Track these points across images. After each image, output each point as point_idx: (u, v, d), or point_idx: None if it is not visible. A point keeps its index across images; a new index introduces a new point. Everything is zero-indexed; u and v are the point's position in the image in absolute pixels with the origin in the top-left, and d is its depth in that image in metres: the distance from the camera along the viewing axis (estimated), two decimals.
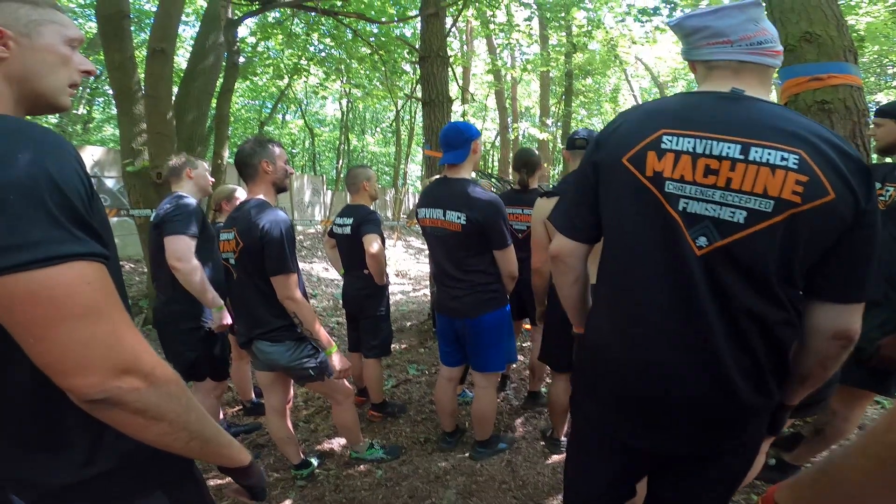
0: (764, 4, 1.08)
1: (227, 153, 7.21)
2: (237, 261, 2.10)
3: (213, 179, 2.92)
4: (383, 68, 8.92)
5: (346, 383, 2.46)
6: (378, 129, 24.57)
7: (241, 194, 3.15)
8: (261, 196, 2.10)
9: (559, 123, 16.49)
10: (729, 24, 1.01)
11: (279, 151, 2.14)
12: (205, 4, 7.69)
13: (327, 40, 9.52)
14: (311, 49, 10.16)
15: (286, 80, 11.54)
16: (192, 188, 2.52)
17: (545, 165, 14.41)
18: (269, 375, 2.33)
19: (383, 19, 7.55)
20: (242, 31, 8.71)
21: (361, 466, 2.69)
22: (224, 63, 6.85)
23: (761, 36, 1.01)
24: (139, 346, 0.69)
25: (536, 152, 3.20)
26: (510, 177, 9.91)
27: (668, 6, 7.03)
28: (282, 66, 10.68)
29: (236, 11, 6.81)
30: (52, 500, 0.79)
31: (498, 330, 2.40)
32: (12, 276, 0.60)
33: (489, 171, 18.74)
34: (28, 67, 0.80)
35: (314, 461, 2.67)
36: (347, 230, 2.97)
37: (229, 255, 2.14)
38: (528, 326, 4.24)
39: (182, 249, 2.27)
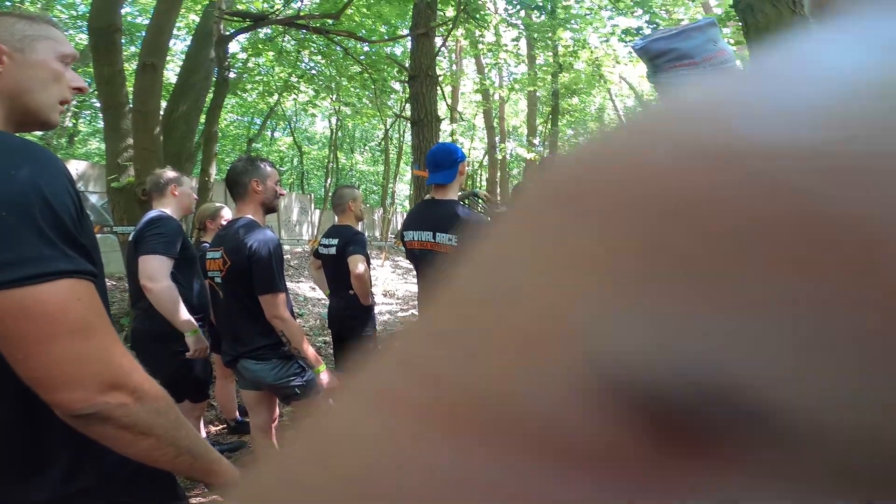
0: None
1: (214, 170, 7.18)
2: (224, 280, 2.08)
3: (198, 198, 2.89)
4: (373, 87, 9.00)
5: (332, 402, 2.40)
6: (367, 148, 24.68)
7: (227, 213, 3.12)
8: (249, 215, 2.10)
9: (546, 143, 16.72)
10: (693, 46, 1.02)
11: (270, 171, 2.14)
12: (197, 19, 7.72)
13: (318, 58, 9.61)
14: (302, 66, 10.23)
15: (276, 98, 11.58)
16: (176, 206, 2.45)
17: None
18: (254, 394, 2.27)
19: (374, 38, 7.65)
20: (233, 46, 8.79)
21: None
22: (214, 79, 6.86)
23: (722, 56, 1.03)
24: (127, 363, 0.69)
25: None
26: (497, 197, 9.97)
27: (651, 26, 7.23)
28: (272, 83, 10.73)
29: (228, 27, 6.85)
30: None
31: None
32: (5, 293, 0.61)
33: (476, 188, 18.86)
34: (20, 83, 0.80)
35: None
36: (333, 250, 2.95)
37: (215, 274, 2.12)
38: None
39: (154, 269, 2.19)
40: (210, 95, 7.00)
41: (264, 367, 2.11)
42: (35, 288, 0.62)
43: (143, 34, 4.93)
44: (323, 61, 9.57)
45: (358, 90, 11.02)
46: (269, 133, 19.43)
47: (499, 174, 17.10)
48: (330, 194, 15.91)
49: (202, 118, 6.90)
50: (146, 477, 0.81)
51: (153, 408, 0.71)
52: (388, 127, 14.93)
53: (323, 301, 8.03)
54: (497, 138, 16.88)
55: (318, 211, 15.78)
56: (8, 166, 0.64)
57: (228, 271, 2.05)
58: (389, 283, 11.00)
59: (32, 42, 0.82)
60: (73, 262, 0.66)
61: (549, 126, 15.83)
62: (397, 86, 10.22)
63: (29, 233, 0.63)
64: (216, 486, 0.86)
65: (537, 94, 15.38)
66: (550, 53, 11.23)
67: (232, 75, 8.78)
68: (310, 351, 2.09)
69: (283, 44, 9.12)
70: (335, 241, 2.94)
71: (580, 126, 19.31)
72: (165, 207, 2.42)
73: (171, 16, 4.86)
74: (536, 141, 15.86)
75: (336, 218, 3.10)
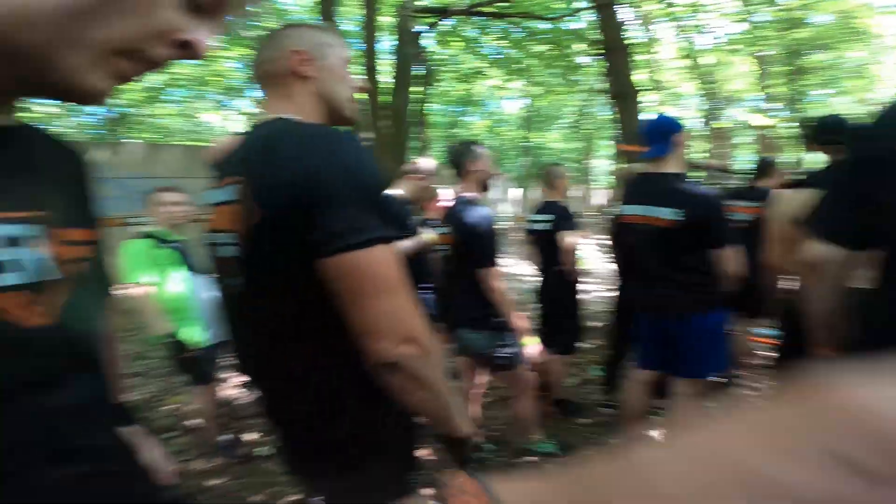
0: None
1: (425, 158, 8.00)
2: (451, 253, 2.33)
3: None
4: (561, 64, 8.74)
5: (533, 376, 2.54)
6: (562, 125, 24.02)
7: (445, 194, 3.23)
8: (470, 193, 2.29)
9: (783, 107, 13.90)
10: None
11: (483, 152, 2.33)
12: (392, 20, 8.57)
13: (502, 42, 9.74)
14: (489, 52, 10.51)
15: (468, 85, 12.17)
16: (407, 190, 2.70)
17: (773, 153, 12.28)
18: (466, 361, 2.52)
19: (550, 16, 7.40)
20: (427, 41, 9.52)
21: (532, 458, 2.67)
22: (417, 72, 7.56)
23: None
24: (420, 320, 0.78)
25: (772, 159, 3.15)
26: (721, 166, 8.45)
27: None
28: (462, 71, 11.31)
29: (417, 24, 7.44)
30: (309, 455, 0.96)
31: (710, 333, 2.22)
32: (347, 255, 0.73)
33: (702, 161, 16.75)
34: (325, 85, 0.95)
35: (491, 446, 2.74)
36: (545, 226, 2.99)
37: (445, 248, 2.38)
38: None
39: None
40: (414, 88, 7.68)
41: (478, 335, 2.30)
42: (367, 251, 0.73)
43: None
44: (506, 44, 9.63)
45: (547, 69, 10.81)
46: (465, 118, 20.49)
47: (719, 143, 14.92)
48: (528, 174, 16.04)
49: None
50: (405, 440, 0.96)
51: (432, 362, 0.79)
52: (582, 103, 14.33)
53: (523, 277, 8.03)
54: (713, 104, 14.69)
55: (514, 190, 15.97)
56: (337, 149, 0.77)
57: (454, 245, 2.28)
58: (592, 261, 10.57)
59: (326, 49, 0.95)
60: (387, 230, 0.77)
61: (785, 88, 13.10)
62: (588, 60, 9.71)
63: (360, 204, 0.75)
64: (447, 437, 0.93)
65: (765, 53, 12.80)
66: (772, 9, 9.21)
67: (430, 68, 9.55)
68: (521, 322, 2.25)
69: (467, 33, 9.49)
70: (547, 217, 2.99)
71: (833, 85, 15.44)
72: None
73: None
74: (768, 105, 13.32)
75: (545, 195, 3.17)
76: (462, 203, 2.24)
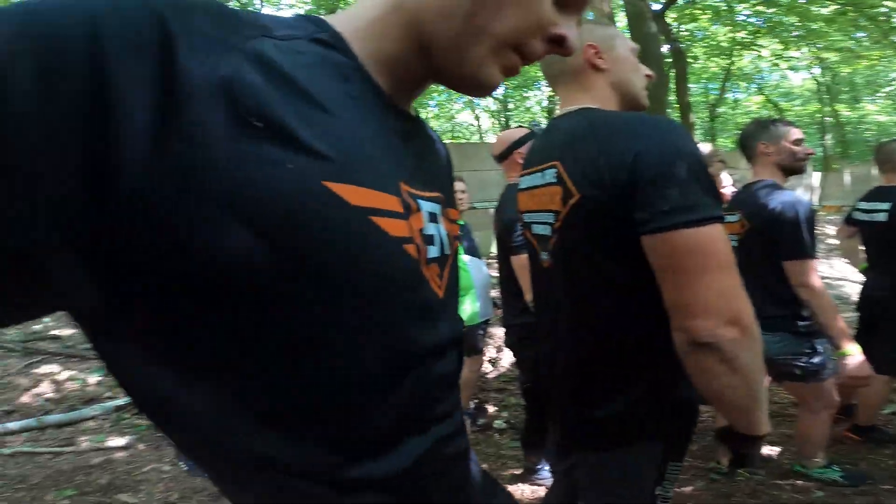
0: None
1: (702, 143, 7.52)
2: (740, 243, 2.07)
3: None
4: (865, 25, 6.90)
5: (834, 393, 2.16)
6: (882, 94, 18.58)
7: (725, 178, 3.02)
8: (767, 178, 2.07)
9: None
10: None
11: (784, 131, 2.05)
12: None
13: (769, 8, 8.16)
14: (754, 21, 8.97)
15: (728, 59, 10.63)
16: None
17: None
18: None
19: None
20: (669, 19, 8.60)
21: (800, 482, 2.35)
22: (665, 54, 7.04)
23: None
24: (746, 302, 0.77)
25: None
26: None
27: None
28: (714, 45, 9.94)
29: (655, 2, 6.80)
30: (583, 428, 0.97)
31: None
32: (679, 231, 0.75)
33: None
34: (619, 75, 0.99)
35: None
36: (879, 217, 2.49)
37: (732, 238, 2.09)
38: None
39: None
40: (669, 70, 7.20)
41: (770, 338, 1.94)
42: (700, 229, 0.74)
43: None
44: (772, 11, 8.04)
45: (846, 32, 8.66)
46: (729, 96, 17.81)
47: None
48: (830, 154, 13.03)
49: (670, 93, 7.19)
50: (683, 427, 0.94)
51: (753, 348, 0.77)
52: None
53: (839, 278, 6.51)
54: None
55: (815, 174, 13.12)
56: (659, 131, 0.81)
57: (746, 234, 2.04)
58: None
59: (614, 40, 0.99)
60: (719, 209, 0.78)
61: None
62: None
63: (693, 184, 0.76)
64: (739, 432, 0.87)
65: None
66: None
67: (679, 46, 8.71)
68: (842, 327, 1.89)
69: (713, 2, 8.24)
70: (883, 206, 2.48)
71: None
72: None
73: None
74: None
75: (881, 178, 2.64)
76: (761, 188, 2.01)
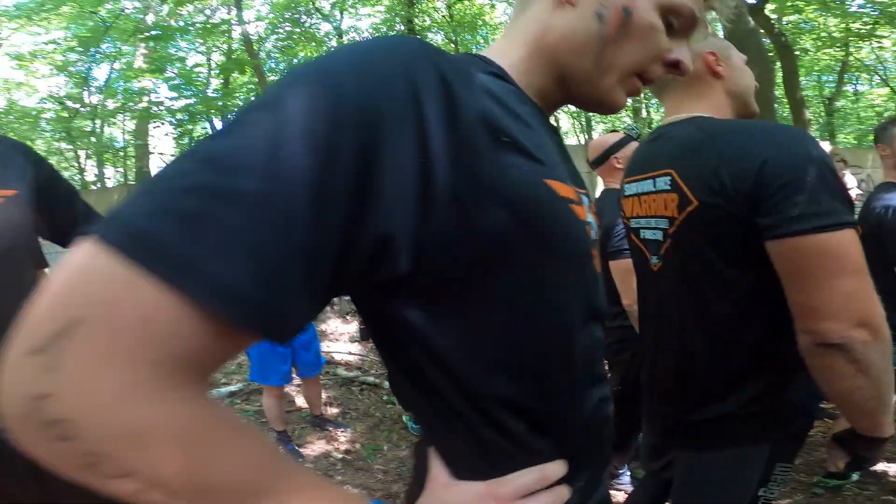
0: None
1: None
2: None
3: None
4: None
5: None
6: None
7: (849, 179, 2.87)
8: (893, 179, 2.03)
9: None
10: None
11: None
12: None
13: None
14: (867, 9, 8.09)
15: (840, 51, 9.62)
16: None
17: None
18: None
19: None
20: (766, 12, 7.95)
21: None
22: (769, 46, 6.60)
23: None
24: (877, 305, 0.78)
25: None
26: None
27: None
28: (830, 35, 9.04)
29: None
30: (685, 428, 0.98)
31: None
32: (809, 237, 0.76)
33: None
34: (736, 82, 1.00)
35: (854, 476, 2.35)
36: None
37: None
38: None
39: None
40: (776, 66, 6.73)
41: None
42: (832, 234, 0.75)
43: None
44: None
45: None
46: (849, 88, 15.95)
47: None
48: None
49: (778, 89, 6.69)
50: (779, 416, 0.93)
51: (882, 350, 0.77)
52: None
53: None
54: None
55: None
56: (793, 139, 0.81)
57: (862, 238, 2.03)
58: None
59: (729, 50, 1.00)
60: (852, 215, 0.79)
61: None
62: None
63: (823, 190, 0.77)
64: (862, 434, 0.86)
65: None
66: None
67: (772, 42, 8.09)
68: None
69: None
70: None
71: None
72: None
73: None
74: None
75: None
76: (878, 190, 1.95)
